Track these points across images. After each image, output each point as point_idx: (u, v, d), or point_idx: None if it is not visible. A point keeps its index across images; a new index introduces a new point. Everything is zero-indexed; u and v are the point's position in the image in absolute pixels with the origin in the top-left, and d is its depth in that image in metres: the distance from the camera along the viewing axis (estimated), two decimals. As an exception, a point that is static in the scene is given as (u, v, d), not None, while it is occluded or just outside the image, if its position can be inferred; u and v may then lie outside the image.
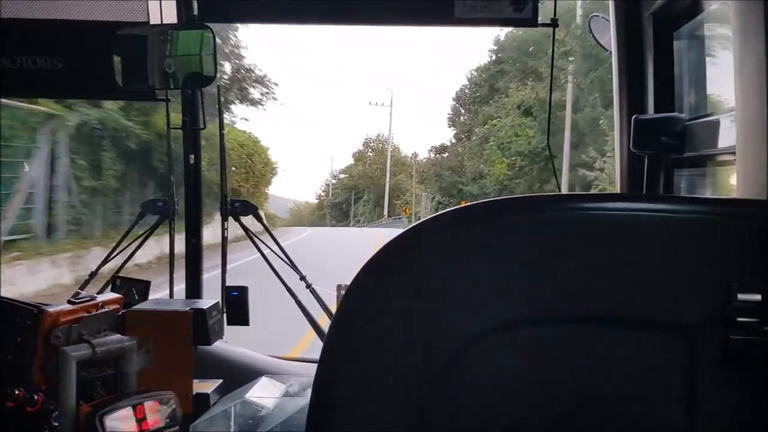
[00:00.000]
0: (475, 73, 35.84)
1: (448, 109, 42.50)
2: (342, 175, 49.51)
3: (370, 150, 47.52)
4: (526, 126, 25.03)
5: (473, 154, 31.37)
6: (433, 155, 40.75)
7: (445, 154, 38.12)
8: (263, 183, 18.85)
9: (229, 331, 1.75)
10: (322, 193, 52.43)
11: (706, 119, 1.24)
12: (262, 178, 18.44)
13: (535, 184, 23.59)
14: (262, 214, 2.02)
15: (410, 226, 0.60)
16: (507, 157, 26.40)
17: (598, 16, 1.63)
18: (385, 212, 39.49)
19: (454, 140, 37.99)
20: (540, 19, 1.54)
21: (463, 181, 31.56)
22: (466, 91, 36.91)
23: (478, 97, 34.41)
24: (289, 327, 3.08)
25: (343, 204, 46.88)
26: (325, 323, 1.73)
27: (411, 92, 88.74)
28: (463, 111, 37.35)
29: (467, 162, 31.75)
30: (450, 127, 38.83)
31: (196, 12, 1.70)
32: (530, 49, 26.36)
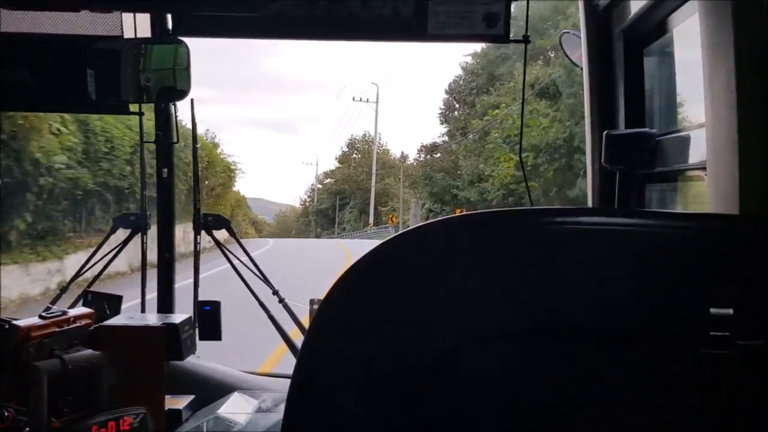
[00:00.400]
0: (471, 61, 32.87)
1: (440, 104, 40.22)
2: (327, 180, 48.04)
3: (355, 151, 45.92)
4: (540, 113, 20.83)
5: (470, 152, 28.00)
6: (422, 156, 37.85)
7: (437, 154, 35.33)
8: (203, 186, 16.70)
9: (201, 345, 1.83)
10: (308, 199, 50.92)
11: (676, 134, 1.32)
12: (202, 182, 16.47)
13: (552, 188, 19.75)
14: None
15: (385, 240, 0.63)
16: (515, 154, 22.43)
17: (569, 32, 1.74)
18: (371, 220, 37.81)
19: (447, 138, 35.07)
20: (512, 35, 1.66)
21: (458, 185, 28.50)
22: (461, 81, 34.09)
23: (475, 87, 31.65)
24: (259, 340, 3.15)
25: (329, 210, 45.70)
26: (297, 337, 1.83)
27: (402, 90, 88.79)
28: (457, 105, 34.74)
29: (463, 162, 28.45)
30: (442, 123, 36.03)
31: (170, 26, 1.77)
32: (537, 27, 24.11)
